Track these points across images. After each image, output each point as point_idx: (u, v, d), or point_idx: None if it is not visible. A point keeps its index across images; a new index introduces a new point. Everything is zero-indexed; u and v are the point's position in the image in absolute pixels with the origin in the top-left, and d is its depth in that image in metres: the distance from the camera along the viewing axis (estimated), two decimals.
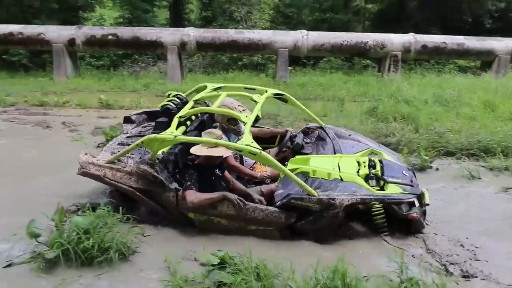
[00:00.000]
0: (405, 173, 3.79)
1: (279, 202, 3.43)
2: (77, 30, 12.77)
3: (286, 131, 4.62)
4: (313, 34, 12.70)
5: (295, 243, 3.51)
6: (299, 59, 14.34)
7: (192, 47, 12.61)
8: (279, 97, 4.59)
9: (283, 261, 2.91)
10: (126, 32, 12.81)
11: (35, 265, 3.09)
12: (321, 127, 4.71)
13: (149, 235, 3.59)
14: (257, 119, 3.83)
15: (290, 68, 13.15)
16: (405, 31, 13.06)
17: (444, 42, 12.52)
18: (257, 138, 4.07)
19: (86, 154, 4.06)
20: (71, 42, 12.69)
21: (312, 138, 4.57)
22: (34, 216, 3.76)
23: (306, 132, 4.74)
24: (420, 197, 3.64)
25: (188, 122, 4.15)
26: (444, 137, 6.24)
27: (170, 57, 12.61)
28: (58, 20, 15.25)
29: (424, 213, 3.76)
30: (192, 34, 12.53)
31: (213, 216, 3.47)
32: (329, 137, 4.47)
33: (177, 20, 18.05)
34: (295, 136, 4.49)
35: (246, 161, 4.27)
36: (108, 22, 18.17)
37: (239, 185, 3.89)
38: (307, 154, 4.19)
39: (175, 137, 3.50)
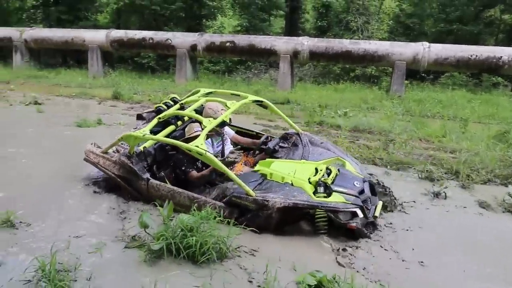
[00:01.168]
0: (355, 184, 3.87)
1: (225, 199, 3.77)
2: (199, 36, 13.72)
3: (265, 136, 4.90)
4: (436, 47, 11.75)
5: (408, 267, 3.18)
6: (417, 73, 13.41)
7: (304, 56, 12.63)
8: (259, 103, 4.79)
9: None
10: (243, 39, 13.36)
11: (143, 254, 3.27)
12: (297, 134, 4.88)
13: (249, 241, 3.56)
14: (224, 124, 4.24)
15: (406, 82, 12.35)
16: None
17: None
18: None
19: (92, 144, 4.76)
20: (193, 47, 13.68)
21: (289, 144, 4.77)
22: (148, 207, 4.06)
23: (286, 137, 4.90)
24: (364, 208, 3.68)
25: (180, 123, 4.61)
26: None
27: (282, 65, 12.80)
28: (184, 27, 16.62)
29: (372, 224, 3.78)
30: (306, 43, 12.54)
31: (174, 204, 3.75)
32: (302, 143, 4.67)
33: (292, 29, 18.32)
34: (270, 140, 4.72)
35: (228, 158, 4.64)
36: (227, 30, 19.22)
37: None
38: (278, 157, 4.44)
39: (144, 135, 4.06)
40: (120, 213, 4.06)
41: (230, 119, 4.33)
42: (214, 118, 4.11)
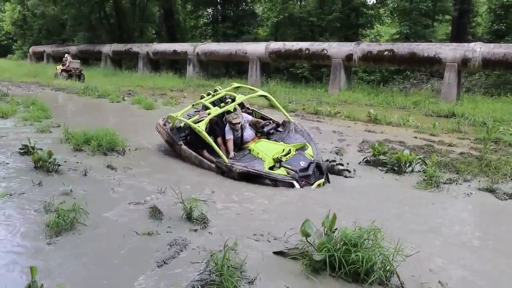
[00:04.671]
0: (301, 164, 4.93)
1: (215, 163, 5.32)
2: (355, 46, 13.46)
3: (266, 121, 6.08)
4: None
5: None
6: None
7: (476, 64, 11.21)
8: (264, 96, 6.14)
9: None
10: (403, 47, 12.59)
11: (303, 263, 3.23)
12: (289, 122, 5.95)
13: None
14: (228, 111, 5.51)
15: None
16: None
17: None
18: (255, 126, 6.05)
19: (162, 119, 6.34)
20: (349, 57, 13.48)
21: (284, 129, 5.86)
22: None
23: (284, 124, 5.98)
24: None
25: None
26: None
27: (447, 74, 11.62)
28: (339, 37, 16.56)
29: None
30: (478, 49, 11.13)
31: (191, 161, 5.60)
32: (289, 130, 5.75)
33: (459, 34, 16.52)
34: (267, 125, 5.88)
35: (246, 138, 5.83)
36: (384, 38, 18.44)
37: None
38: (270, 139, 5.63)
39: (176, 116, 5.89)
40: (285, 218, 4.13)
41: (235, 108, 5.56)
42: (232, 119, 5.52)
